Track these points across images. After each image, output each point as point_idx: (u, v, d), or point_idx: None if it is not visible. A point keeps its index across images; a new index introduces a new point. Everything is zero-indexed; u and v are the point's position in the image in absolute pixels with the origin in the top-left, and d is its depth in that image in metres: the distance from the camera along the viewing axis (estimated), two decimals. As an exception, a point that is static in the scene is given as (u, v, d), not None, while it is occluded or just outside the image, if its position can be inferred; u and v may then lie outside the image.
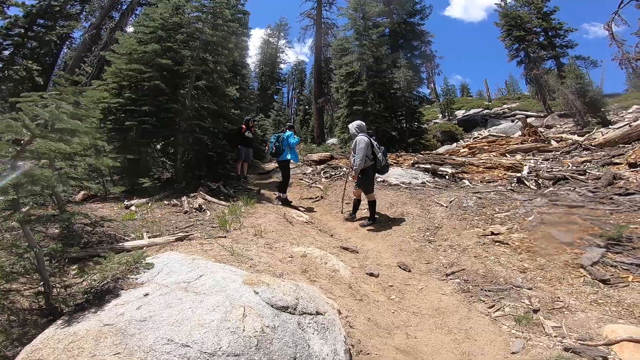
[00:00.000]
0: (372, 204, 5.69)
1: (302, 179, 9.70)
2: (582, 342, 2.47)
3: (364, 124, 5.89)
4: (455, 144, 19.78)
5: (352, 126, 5.83)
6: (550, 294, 3.19)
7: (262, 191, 7.66)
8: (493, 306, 3.14)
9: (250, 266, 3.02)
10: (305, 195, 8.25)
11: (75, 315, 2.11)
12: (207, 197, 6.31)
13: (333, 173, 10.00)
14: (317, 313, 2.17)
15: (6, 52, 10.89)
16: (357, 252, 4.53)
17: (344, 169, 10.12)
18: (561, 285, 3.34)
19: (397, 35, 24.67)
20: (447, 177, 8.67)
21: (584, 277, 3.41)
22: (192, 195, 6.43)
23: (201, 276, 2.30)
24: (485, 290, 3.48)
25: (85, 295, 2.50)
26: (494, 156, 12.13)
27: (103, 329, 1.83)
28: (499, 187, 7.67)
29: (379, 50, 16.08)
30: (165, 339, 1.68)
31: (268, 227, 4.80)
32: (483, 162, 10.33)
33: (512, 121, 23.80)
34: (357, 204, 6.03)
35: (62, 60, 17.96)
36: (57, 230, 4.38)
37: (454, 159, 10.79)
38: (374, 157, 5.49)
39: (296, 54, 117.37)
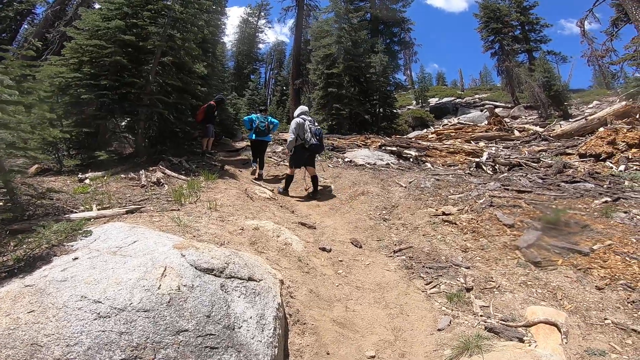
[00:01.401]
0: (313, 179, 6.27)
1: (270, 157, 9.58)
2: (503, 322, 2.59)
3: (306, 109, 6.39)
4: (425, 129, 20.14)
5: (296, 111, 6.42)
6: (485, 273, 3.33)
7: (227, 167, 7.51)
8: (430, 282, 3.25)
9: (194, 236, 2.96)
10: (272, 172, 8.17)
11: (1, 280, 2.07)
12: (167, 171, 6.11)
13: (302, 153, 9.96)
14: (250, 279, 2.16)
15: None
16: (315, 228, 4.55)
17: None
18: (497, 265, 3.48)
19: (377, 20, 24.38)
20: (411, 159, 8.82)
21: (519, 259, 3.57)
22: (151, 169, 6.21)
23: (135, 242, 2.25)
24: (427, 268, 3.60)
25: (18, 263, 2.42)
26: (459, 142, 12.46)
27: (23, 290, 1.81)
28: (458, 170, 7.89)
29: (357, 34, 15.90)
30: (79, 296, 1.69)
31: (226, 201, 4.72)
32: (446, 147, 10.58)
33: (481, 110, 24.36)
34: (289, 179, 6.35)
35: (21, 36, 16.60)
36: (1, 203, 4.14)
37: (419, 143, 10.98)
38: (304, 138, 5.97)
39: (276, 34, 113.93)
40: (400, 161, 8.67)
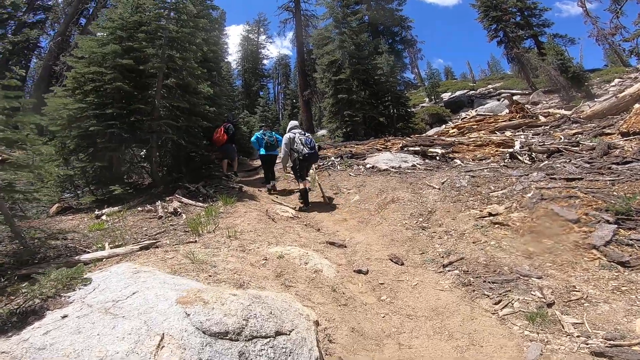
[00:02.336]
0: (303, 192, 6.08)
1: (289, 172, 9.18)
2: (611, 342, 1.99)
3: (296, 123, 6.65)
4: (443, 125, 19.35)
5: (288, 127, 6.57)
6: (563, 282, 2.72)
7: (245, 188, 7.12)
8: (499, 302, 2.65)
9: (210, 275, 2.50)
10: (293, 187, 7.73)
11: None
12: (184, 199, 5.76)
13: (321, 163, 9.45)
14: (278, 333, 1.66)
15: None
16: (345, 247, 4.03)
17: (332, 158, 9.60)
18: (575, 271, 2.86)
19: (376, 22, 23.96)
20: (437, 157, 8.19)
21: (599, 259, 2.93)
22: (168, 199, 5.88)
23: (134, 293, 1.80)
24: (489, 282, 3.00)
25: (11, 318, 2.08)
26: (484, 134, 11.70)
27: (-2, 356, 1.44)
28: (491, 164, 7.21)
29: (359, 37, 15.45)
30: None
31: (246, 226, 4.29)
32: (473, 141, 9.87)
33: (498, 100, 23.43)
34: (303, 193, 6.10)
35: (34, 71, 17.10)
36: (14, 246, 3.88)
37: (443, 140, 10.32)
38: (298, 150, 6.05)
39: (278, 48, 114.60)
40: (427, 161, 8.06)
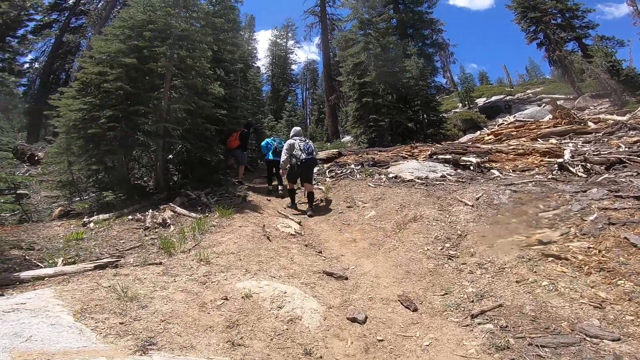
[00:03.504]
0: (309, 195, 6.16)
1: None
2: None
3: (299, 129, 6.70)
4: (478, 131, 17.93)
5: (291, 133, 6.64)
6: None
7: (252, 197, 6.45)
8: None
9: (123, 322, 1.79)
10: (304, 198, 6.96)
11: None
12: (178, 209, 5.17)
13: (339, 171, 8.63)
14: None
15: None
16: (346, 279, 3.17)
17: (352, 165, 8.73)
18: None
19: (404, 25, 22.85)
20: (471, 167, 7.08)
21: None
22: (162, 207, 5.33)
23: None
24: (539, 347, 2.04)
25: None
26: (526, 141, 10.34)
27: None
28: (536, 176, 6.05)
29: (386, 39, 14.54)
30: None
31: (231, 246, 3.56)
32: (513, 149, 8.61)
33: (539, 105, 21.72)
34: (290, 192, 6.55)
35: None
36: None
37: (478, 147, 9.13)
38: (296, 155, 6.10)
39: (306, 53, 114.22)
40: (459, 171, 6.98)
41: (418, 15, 22.42)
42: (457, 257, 3.51)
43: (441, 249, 3.68)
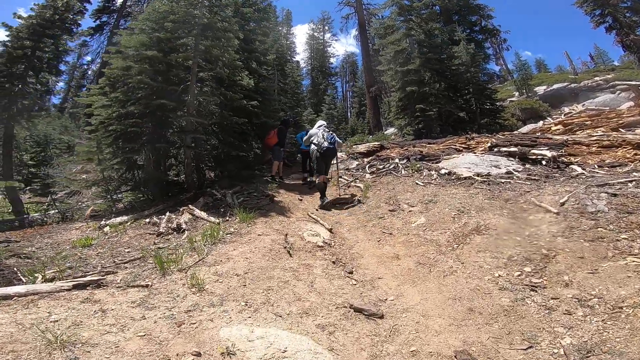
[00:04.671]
0: (320, 185, 5.89)
1: (341, 177, 7.56)
2: None
3: (323, 122, 6.52)
4: (541, 121, 15.74)
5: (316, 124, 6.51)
6: None
7: (280, 197, 5.74)
8: None
9: None
10: (340, 198, 6.11)
11: None
12: (197, 211, 4.60)
13: (380, 167, 7.61)
14: None
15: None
16: (381, 318, 2.28)
17: (396, 160, 7.67)
18: None
19: (449, 11, 20.87)
20: (543, 162, 5.74)
21: None
22: (182, 209, 4.81)
23: None
24: None
25: None
26: (605, 132, 8.48)
27: None
28: (634, 173, 4.61)
29: (428, 24, 13.09)
30: None
31: (239, 264, 2.84)
32: (596, 140, 6.99)
33: (612, 93, 18.96)
34: (320, 187, 5.87)
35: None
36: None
37: (549, 138, 7.59)
38: (317, 143, 5.93)
39: (344, 45, 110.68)
40: (528, 166, 5.67)
41: (464, 1, 20.36)
42: (544, 288, 2.46)
43: (519, 275, 2.64)
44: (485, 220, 3.55)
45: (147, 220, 4.63)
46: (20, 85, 7.23)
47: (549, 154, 5.86)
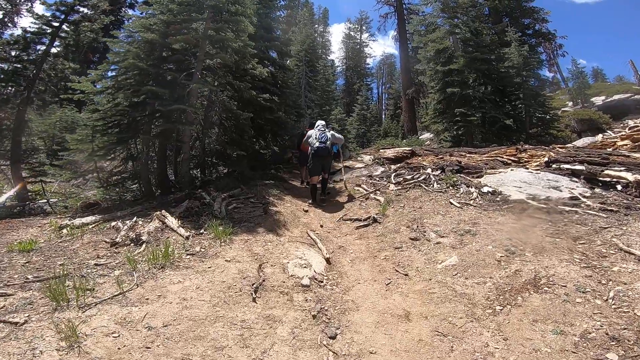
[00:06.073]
0: (323, 181, 5.93)
1: (360, 185, 6.49)
2: None
3: (323, 122, 6.10)
4: (600, 135, 13.64)
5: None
6: None
7: (279, 208, 4.82)
8: None
9: None
10: (353, 213, 5.04)
11: None
12: (168, 220, 3.78)
13: (408, 177, 6.36)
14: None
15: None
16: None
17: (428, 170, 6.39)
18: None
19: (498, 12, 19.18)
20: (619, 187, 4.34)
21: None
22: (155, 214, 4.01)
23: None
24: None
25: None
26: None
27: None
28: None
29: (475, 23, 11.70)
30: None
31: (168, 307, 1.95)
32: (695, 159, 5.40)
33: None
34: (312, 189, 5.88)
35: None
36: None
37: (626, 156, 6.03)
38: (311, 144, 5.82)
39: (382, 46, 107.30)
40: (597, 190, 4.29)
41: (516, 3, 18.71)
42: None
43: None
44: (548, 270, 2.38)
45: (114, 223, 3.89)
46: (35, 71, 6.95)
47: (630, 177, 4.42)
